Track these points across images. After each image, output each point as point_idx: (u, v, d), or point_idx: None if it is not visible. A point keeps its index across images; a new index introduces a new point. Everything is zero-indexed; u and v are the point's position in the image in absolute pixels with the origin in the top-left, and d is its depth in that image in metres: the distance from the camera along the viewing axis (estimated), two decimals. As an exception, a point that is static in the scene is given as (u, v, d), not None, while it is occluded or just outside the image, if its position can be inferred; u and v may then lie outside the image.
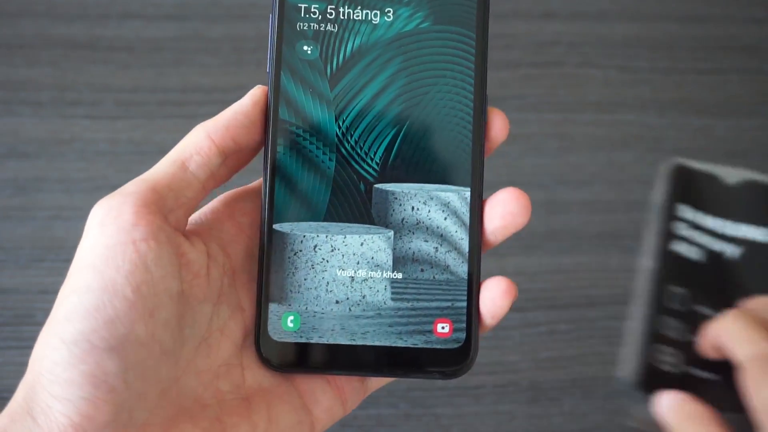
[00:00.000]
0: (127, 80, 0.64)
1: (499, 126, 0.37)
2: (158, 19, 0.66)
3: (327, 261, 0.36)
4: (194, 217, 0.37)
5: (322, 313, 0.36)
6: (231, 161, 0.36)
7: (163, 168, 0.35)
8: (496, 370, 0.56)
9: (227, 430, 0.33)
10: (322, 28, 0.37)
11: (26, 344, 0.56)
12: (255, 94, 0.37)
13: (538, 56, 0.65)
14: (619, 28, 0.67)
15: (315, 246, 0.37)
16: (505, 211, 0.36)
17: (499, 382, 0.56)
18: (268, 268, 0.36)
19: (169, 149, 0.64)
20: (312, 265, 0.36)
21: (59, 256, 0.59)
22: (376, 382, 0.38)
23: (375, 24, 0.37)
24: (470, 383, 0.55)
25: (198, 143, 0.36)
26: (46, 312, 0.58)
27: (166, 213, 0.34)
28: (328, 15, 0.37)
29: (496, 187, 0.61)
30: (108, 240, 0.32)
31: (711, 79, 0.65)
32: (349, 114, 0.37)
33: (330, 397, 0.36)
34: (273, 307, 0.36)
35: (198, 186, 0.36)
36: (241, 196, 0.38)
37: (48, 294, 0.57)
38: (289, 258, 0.36)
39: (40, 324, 0.57)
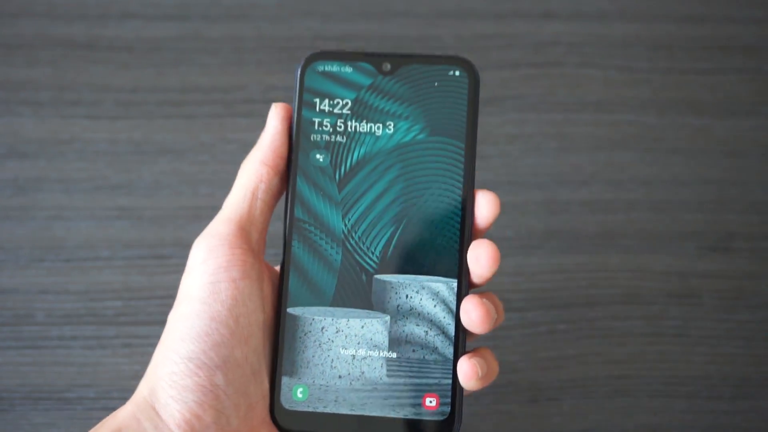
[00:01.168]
0: (127, 80, 0.64)
1: (487, 210, 0.43)
2: (158, 19, 0.66)
3: (332, 341, 0.42)
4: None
5: (327, 386, 0.42)
6: (282, 173, 0.43)
7: (238, 202, 0.42)
8: (495, 370, 0.56)
9: None
10: (332, 139, 0.43)
11: (26, 344, 0.56)
12: (278, 113, 0.43)
13: (537, 56, 0.65)
14: (618, 29, 0.67)
15: (322, 328, 0.42)
16: (469, 319, 0.41)
17: (499, 382, 0.56)
18: (282, 345, 0.42)
19: (169, 149, 0.65)
20: (319, 344, 0.42)
21: (59, 256, 0.59)
22: None
23: (378, 135, 0.43)
24: (470, 383, 0.55)
25: (259, 173, 0.42)
26: (46, 312, 0.58)
27: (253, 246, 0.41)
28: (338, 128, 0.43)
29: (496, 187, 0.62)
30: (211, 277, 0.40)
31: (710, 79, 0.65)
32: (354, 214, 0.43)
33: None
34: (285, 380, 0.42)
35: (267, 209, 0.43)
36: None
37: (48, 294, 0.57)
38: (299, 337, 0.42)
39: (40, 324, 0.57)
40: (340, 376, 0.42)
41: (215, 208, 0.60)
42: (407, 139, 0.43)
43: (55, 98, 0.63)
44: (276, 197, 0.43)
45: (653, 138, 0.63)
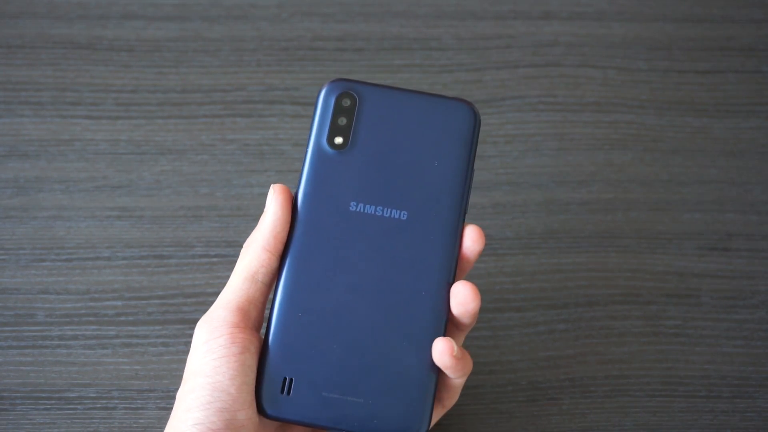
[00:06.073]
0: (128, 80, 0.64)
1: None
2: (158, 20, 0.66)
3: None
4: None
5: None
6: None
7: (238, 285, 0.45)
8: (495, 370, 0.56)
9: None
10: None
11: (26, 344, 0.56)
12: (277, 198, 0.45)
13: (537, 57, 0.66)
14: (617, 29, 0.67)
15: None
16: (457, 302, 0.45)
17: (498, 381, 0.56)
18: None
19: (169, 149, 0.65)
20: None
21: (60, 256, 0.59)
22: None
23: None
24: (469, 383, 0.55)
25: (261, 258, 0.45)
26: (47, 312, 0.58)
27: (252, 324, 0.45)
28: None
29: (496, 187, 0.62)
30: (213, 355, 0.43)
31: (709, 79, 0.65)
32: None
33: None
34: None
35: (266, 290, 0.45)
36: None
37: (48, 294, 0.57)
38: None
39: (41, 324, 0.57)
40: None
41: (215, 208, 0.60)
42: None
43: (56, 98, 0.63)
44: (274, 278, 0.46)
45: (652, 138, 0.63)
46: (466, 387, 0.55)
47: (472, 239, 0.46)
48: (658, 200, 0.62)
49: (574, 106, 0.64)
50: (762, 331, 0.58)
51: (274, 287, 0.46)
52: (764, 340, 0.58)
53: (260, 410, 0.44)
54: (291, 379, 0.44)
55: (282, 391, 0.44)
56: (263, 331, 0.47)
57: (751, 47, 0.66)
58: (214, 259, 0.59)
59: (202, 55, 0.65)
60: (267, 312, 0.46)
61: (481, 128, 0.64)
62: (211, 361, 0.43)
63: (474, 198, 0.60)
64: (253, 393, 0.43)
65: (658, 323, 0.58)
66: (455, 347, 0.44)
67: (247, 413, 0.43)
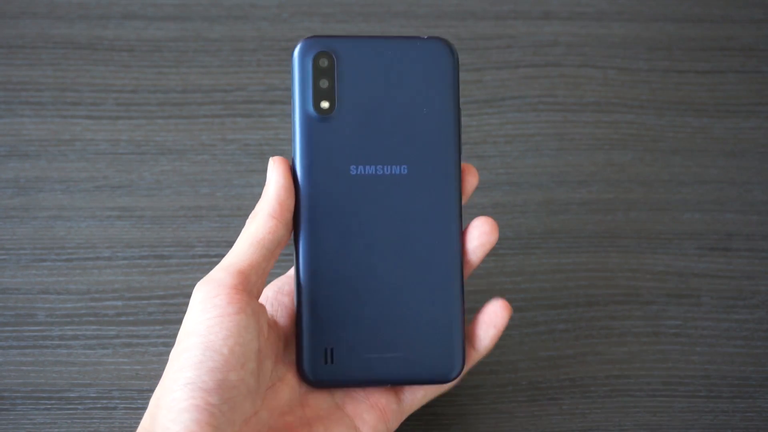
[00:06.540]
0: (128, 80, 0.64)
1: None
2: (158, 20, 0.66)
3: None
4: None
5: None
6: (288, 224, 0.46)
7: (243, 250, 0.45)
8: (495, 370, 0.56)
9: None
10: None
11: (27, 344, 0.56)
12: (278, 167, 0.46)
13: (537, 57, 0.66)
14: (617, 29, 0.67)
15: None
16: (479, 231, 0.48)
17: (499, 381, 0.56)
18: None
19: (170, 149, 0.65)
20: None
21: (60, 256, 0.59)
22: (410, 405, 0.49)
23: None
24: (470, 383, 0.55)
25: (268, 225, 0.45)
26: (47, 312, 0.58)
27: (250, 288, 0.44)
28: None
29: (496, 187, 0.62)
30: (208, 314, 0.43)
31: (709, 79, 0.65)
32: None
33: (374, 417, 0.47)
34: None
35: (270, 257, 0.45)
36: (282, 283, 0.50)
37: (49, 294, 0.57)
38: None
39: (41, 324, 0.57)
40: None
41: (215, 208, 0.61)
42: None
43: (56, 98, 0.63)
44: (281, 246, 0.46)
45: (652, 138, 0.63)
46: (466, 387, 0.55)
47: (472, 174, 0.48)
48: (658, 200, 0.62)
49: (574, 106, 0.64)
50: (762, 331, 0.58)
51: (294, 260, 0.46)
52: (764, 340, 0.58)
53: (307, 382, 0.46)
54: (332, 349, 0.46)
55: (326, 362, 0.45)
56: (279, 315, 0.48)
57: (751, 47, 0.66)
58: (215, 259, 0.59)
59: (202, 55, 0.65)
60: (292, 286, 0.47)
61: (482, 128, 0.64)
62: (206, 320, 0.42)
63: (474, 198, 0.60)
64: (247, 354, 0.43)
65: (659, 323, 0.58)
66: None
67: (239, 374, 0.42)
